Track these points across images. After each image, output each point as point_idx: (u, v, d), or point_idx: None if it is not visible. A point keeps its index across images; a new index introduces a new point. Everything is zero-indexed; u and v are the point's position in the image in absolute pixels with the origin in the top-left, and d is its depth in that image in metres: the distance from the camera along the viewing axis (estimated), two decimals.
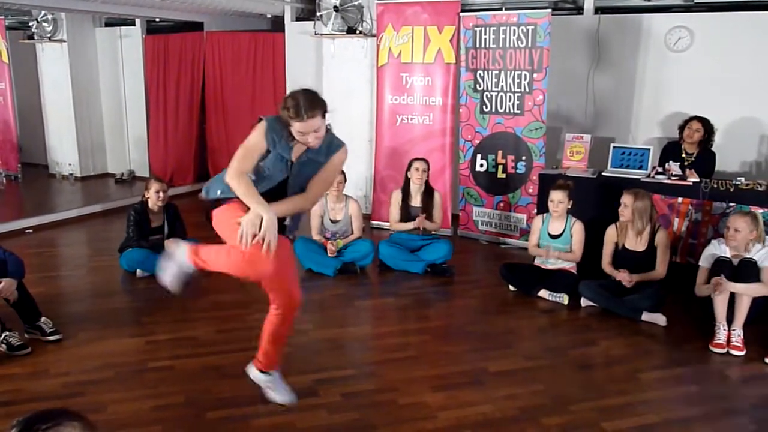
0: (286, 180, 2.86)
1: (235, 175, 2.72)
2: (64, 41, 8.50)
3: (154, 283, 5.07)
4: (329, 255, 5.31)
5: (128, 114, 9.03)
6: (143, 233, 5.25)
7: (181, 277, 2.94)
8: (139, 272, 5.18)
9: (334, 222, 5.40)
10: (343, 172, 5.49)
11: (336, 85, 7.09)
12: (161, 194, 5.26)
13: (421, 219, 5.39)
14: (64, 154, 8.94)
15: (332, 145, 2.91)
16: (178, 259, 2.93)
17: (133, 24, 8.64)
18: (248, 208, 2.66)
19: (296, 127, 2.71)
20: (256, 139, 2.79)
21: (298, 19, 7.77)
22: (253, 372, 3.16)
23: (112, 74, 8.98)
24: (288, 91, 2.96)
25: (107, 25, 8.96)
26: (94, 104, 8.97)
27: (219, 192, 2.85)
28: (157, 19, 8.36)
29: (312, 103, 2.70)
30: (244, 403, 3.27)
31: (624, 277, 4.53)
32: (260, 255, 2.59)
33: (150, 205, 5.28)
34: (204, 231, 6.08)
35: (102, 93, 9.07)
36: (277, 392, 3.18)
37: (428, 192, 5.50)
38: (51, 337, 3.95)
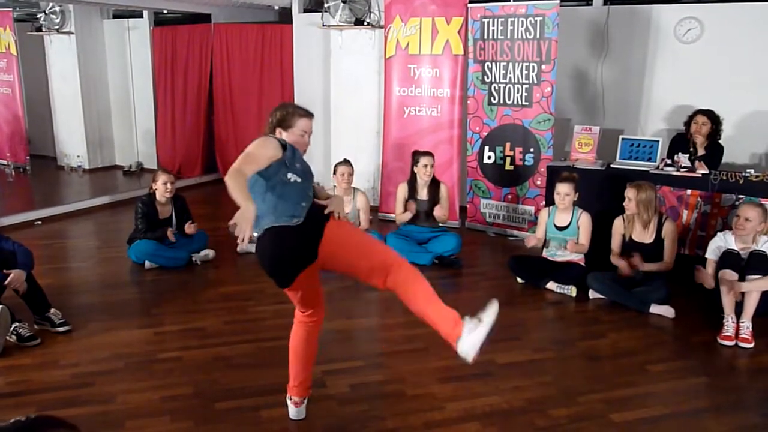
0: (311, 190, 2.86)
1: (236, 174, 2.46)
2: (72, 33, 8.51)
3: (163, 274, 5.15)
4: None
5: (136, 106, 9.06)
6: (151, 225, 5.28)
7: None
8: (147, 264, 5.21)
9: None
10: (351, 164, 5.51)
11: (343, 76, 7.05)
12: (169, 186, 5.29)
13: (411, 205, 5.45)
14: (72, 146, 8.97)
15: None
16: None
17: (140, 16, 8.66)
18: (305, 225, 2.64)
19: (302, 125, 2.86)
20: (272, 149, 2.65)
21: (305, 10, 7.75)
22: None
23: (120, 66, 9.00)
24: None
25: (115, 17, 8.97)
26: (102, 96, 9.00)
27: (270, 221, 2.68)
28: (165, 11, 8.35)
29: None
30: (252, 394, 3.29)
31: (633, 260, 4.50)
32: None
33: (158, 197, 5.30)
34: (212, 222, 6.15)
35: (110, 85, 9.09)
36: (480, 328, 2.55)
37: (435, 184, 5.50)
38: (60, 328, 3.98)
